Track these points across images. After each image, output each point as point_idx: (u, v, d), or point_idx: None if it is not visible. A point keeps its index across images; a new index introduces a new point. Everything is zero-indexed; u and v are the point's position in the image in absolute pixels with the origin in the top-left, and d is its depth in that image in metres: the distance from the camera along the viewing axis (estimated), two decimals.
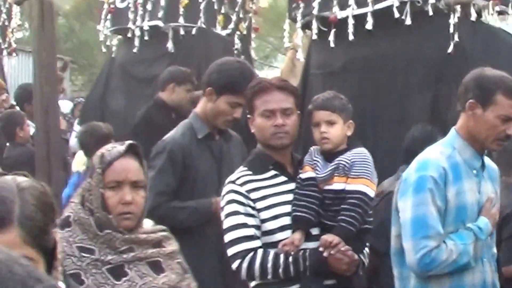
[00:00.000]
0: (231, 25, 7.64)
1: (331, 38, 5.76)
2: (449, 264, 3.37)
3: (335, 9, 5.76)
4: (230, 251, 3.51)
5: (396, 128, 5.21)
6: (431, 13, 5.38)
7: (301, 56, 6.48)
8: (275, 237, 3.50)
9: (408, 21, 5.37)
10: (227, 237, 3.53)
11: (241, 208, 3.51)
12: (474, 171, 3.50)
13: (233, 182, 3.58)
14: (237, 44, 7.56)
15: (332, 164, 3.58)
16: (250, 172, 3.59)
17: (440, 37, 5.37)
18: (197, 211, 4.20)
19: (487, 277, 3.51)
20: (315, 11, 5.89)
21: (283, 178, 3.61)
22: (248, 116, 3.66)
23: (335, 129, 3.65)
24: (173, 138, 4.29)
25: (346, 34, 5.63)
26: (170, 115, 6.12)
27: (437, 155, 3.48)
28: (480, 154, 3.53)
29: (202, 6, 7.44)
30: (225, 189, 3.60)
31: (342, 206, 3.50)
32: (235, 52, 7.45)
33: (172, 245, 2.85)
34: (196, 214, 4.19)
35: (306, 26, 6.14)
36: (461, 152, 3.48)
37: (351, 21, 5.62)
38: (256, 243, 3.49)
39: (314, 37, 6.00)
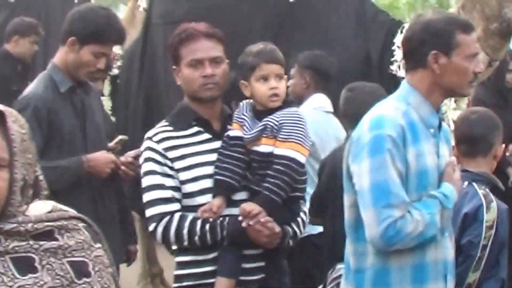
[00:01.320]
0: None
1: None
2: (415, 236, 2.90)
3: None
4: (147, 213, 3.27)
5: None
6: None
7: (143, 4, 6.37)
8: (195, 200, 3.24)
9: None
10: (144, 198, 3.28)
11: (158, 168, 3.24)
12: (432, 130, 3.05)
13: (150, 138, 3.30)
14: None
15: (260, 124, 3.25)
16: (170, 128, 3.30)
17: None
18: (68, 170, 3.87)
19: (448, 254, 3.08)
20: None
21: (207, 136, 3.30)
22: (174, 67, 3.36)
23: (283, 85, 3.31)
24: (35, 93, 3.92)
25: None
26: (16, 67, 6.23)
27: (392, 111, 3.01)
28: (437, 111, 3.10)
29: None
30: (143, 145, 3.34)
31: (267, 171, 3.20)
32: (75, 2, 7.32)
33: (72, 239, 2.17)
34: (67, 173, 3.87)
35: None
36: (418, 109, 3.02)
37: None
38: (173, 206, 3.23)
39: None
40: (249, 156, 3.26)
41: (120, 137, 4.25)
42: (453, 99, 4.99)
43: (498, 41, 5.01)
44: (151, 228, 3.25)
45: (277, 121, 3.21)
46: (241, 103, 3.35)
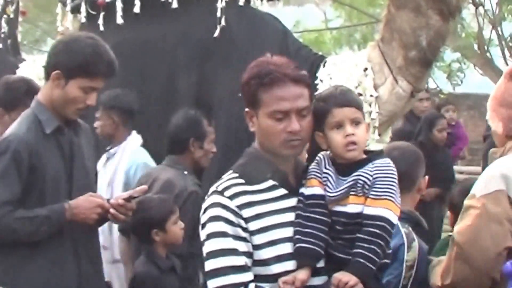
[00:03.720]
0: None
1: (100, 21, 5.74)
2: None
3: None
4: (213, 284, 2.71)
5: (165, 110, 5.23)
6: None
7: None
8: (270, 269, 2.72)
9: (175, 5, 5.47)
10: (210, 265, 2.72)
11: (229, 229, 2.71)
12: None
13: (220, 193, 2.77)
14: (4, 28, 7.39)
15: (349, 179, 2.78)
16: (242, 181, 2.79)
17: (208, 21, 5.47)
18: (49, 220, 3.48)
19: None
20: None
21: (283, 191, 2.81)
22: (247, 110, 2.87)
23: (362, 131, 2.84)
24: (17, 135, 3.53)
25: (115, 17, 5.64)
26: None
27: None
28: None
29: None
30: (208, 201, 2.80)
31: (358, 235, 2.72)
32: (2, 35, 7.30)
33: None
34: (47, 224, 3.48)
35: (76, 9, 6.07)
36: None
37: (119, 5, 5.65)
38: (247, 276, 2.70)
39: (83, 20, 5.96)
40: (331, 218, 2.79)
41: (140, 187, 3.80)
42: (376, 131, 5.16)
43: (418, 69, 5.10)
44: None
45: (371, 176, 2.77)
46: (319, 155, 2.92)
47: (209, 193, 2.82)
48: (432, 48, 5.01)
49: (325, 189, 2.81)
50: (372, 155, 2.85)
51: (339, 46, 13.68)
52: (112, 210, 3.58)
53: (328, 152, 2.90)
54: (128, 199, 3.60)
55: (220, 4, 5.46)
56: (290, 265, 2.73)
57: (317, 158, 2.91)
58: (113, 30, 5.69)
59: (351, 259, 2.71)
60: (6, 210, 3.45)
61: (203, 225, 2.77)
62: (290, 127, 2.74)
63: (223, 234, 2.71)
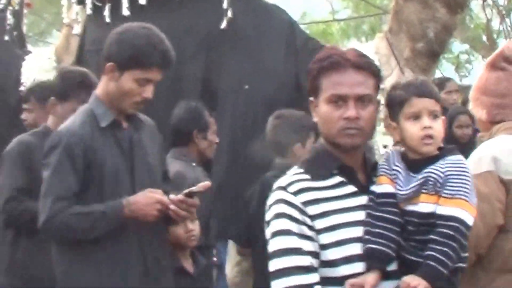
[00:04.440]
0: (3, 1, 7.52)
1: (106, 13, 5.78)
2: None
3: None
4: (276, 285, 2.55)
5: (172, 100, 5.23)
6: None
7: (77, 31, 6.42)
8: (338, 271, 2.56)
9: None
10: (274, 265, 2.57)
11: (294, 227, 2.56)
12: None
13: (283, 188, 2.63)
14: (10, 19, 7.43)
15: (420, 176, 2.63)
16: (307, 176, 2.64)
17: (214, 13, 5.49)
18: (105, 217, 3.35)
19: None
20: None
21: (352, 188, 2.66)
22: (310, 98, 2.73)
23: (439, 126, 2.68)
24: (69, 129, 3.43)
25: (121, 9, 5.68)
26: None
27: None
28: None
29: None
30: (272, 197, 2.65)
31: (431, 236, 2.56)
32: (8, 27, 7.34)
33: None
34: (104, 220, 3.35)
35: (82, 1, 6.11)
36: None
37: None
38: (313, 277, 2.54)
39: (89, 12, 6.00)
40: (403, 217, 2.64)
41: (203, 183, 3.55)
42: (382, 123, 5.15)
43: (426, 61, 5.15)
44: None
45: (442, 173, 2.61)
46: (388, 151, 2.84)
47: (273, 188, 2.68)
48: (439, 40, 5.05)
49: (395, 187, 2.66)
50: (443, 151, 2.68)
51: (347, 38, 13.69)
52: (172, 206, 3.42)
53: (397, 147, 2.77)
54: (189, 194, 3.44)
55: None
56: (359, 267, 2.57)
57: (386, 153, 2.80)
58: (118, 22, 5.68)
59: (423, 262, 2.54)
60: (61, 205, 3.33)
61: (268, 223, 2.64)
62: (347, 113, 2.59)
63: (288, 233, 2.56)
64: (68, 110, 3.99)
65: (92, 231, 3.34)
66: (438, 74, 12.49)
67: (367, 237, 2.58)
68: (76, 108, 3.75)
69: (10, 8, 7.58)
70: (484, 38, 12.69)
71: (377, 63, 4.99)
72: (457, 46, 12.32)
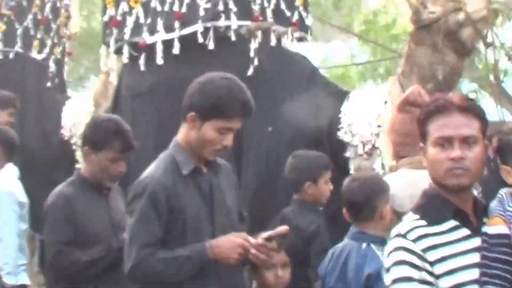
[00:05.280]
0: (46, 50, 7.90)
1: (141, 61, 6.11)
2: None
3: (145, 35, 6.11)
4: None
5: None
6: (233, 38, 5.87)
7: (114, 79, 6.76)
8: None
9: (211, 46, 5.83)
10: None
11: (415, 274, 2.59)
12: None
13: (403, 236, 2.66)
14: (52, 67, 7.82)
15: None
16: (423, 223, 2.68)
17: (241, 61, 5.81)
18: (190, 260, 3.41)
19: None
20: (126, 37, 6.23)
21: (465, 232, 2.68)
22: (421, 144, 2.80)
23: None
24: (153, 177, 3.49)
25: (155, 58, 6.00)
26: None
27: None
28: None
29: (19, 32, 7.76)
30: (391, 245, 2.70)
31: None
32: (50, 75, 7.72)
33: None
34: (189, 264, 3.42)
35: (119, 50, 6.43)
36: None
37: (159, 46, 6.00)
38: None
39: (126, 61, 6.31)
40: None
41: (282, 228, 3.59)
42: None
43: None
44: None
45: None
46: (501, 192, 2.80)
47: (392, 236, 2.73)
48: (448, 81, 5.20)
49: (509, 228, 2.65)
50: None
51: (364, 80, 13.91)
52: (253, 251, 3.45)
53: (510, 189, 2.78)
54: (269, 238, 3.48)
55: (253, 45, 5.85)
56: None
57: (498, 195, 2.79)
58: (152, 69, 6.06)
59: None
60: (148, 252, 3.40)
61: (387, 270, 2.68)
62: (452, 154, 2.64)
63: (409, 279, 2.59)
64: (103, 159, 4.19)
65: (178, 275, 3.41)
66: None
67: (484, 279, 2.58)
68: (110, 157, 4.16)
69: (53, 56, 8.01)
70: (491, 77, 12.89)
71: (389, 104, 5.33)
72: (466, 85, 12.56)
